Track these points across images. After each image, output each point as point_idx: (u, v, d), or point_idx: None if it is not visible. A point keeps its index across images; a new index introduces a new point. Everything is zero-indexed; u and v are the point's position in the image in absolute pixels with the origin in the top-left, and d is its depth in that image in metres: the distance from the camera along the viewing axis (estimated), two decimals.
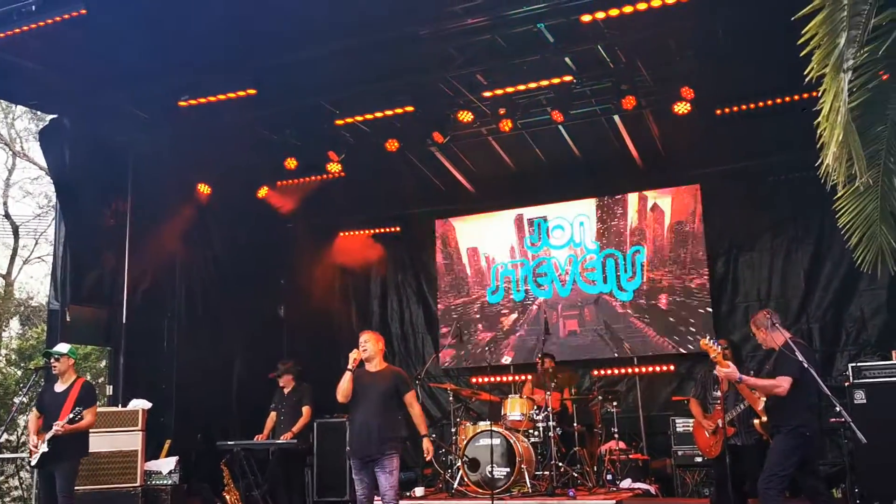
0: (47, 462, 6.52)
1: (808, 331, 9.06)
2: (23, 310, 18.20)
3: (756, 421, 6.24)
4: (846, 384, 7.16)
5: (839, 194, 3.69)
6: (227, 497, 8.17)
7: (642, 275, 9.94)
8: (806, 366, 5.41)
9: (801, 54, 3.28)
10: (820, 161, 3.40)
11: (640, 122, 9.06)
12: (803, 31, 3.20)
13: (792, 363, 5.51)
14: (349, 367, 6.11)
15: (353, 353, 6.18)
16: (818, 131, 3.30)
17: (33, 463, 6.61)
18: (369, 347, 6.23)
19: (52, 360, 6.83)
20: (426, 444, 6.18)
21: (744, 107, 8.48)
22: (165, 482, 7.92)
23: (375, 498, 6.05)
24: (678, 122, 8.50)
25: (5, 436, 10.43)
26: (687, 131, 8.78)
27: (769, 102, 8.31)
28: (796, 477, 5.82)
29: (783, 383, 5.56)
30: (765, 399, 6.00)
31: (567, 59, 8.09)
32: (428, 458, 6.31)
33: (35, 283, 18.75)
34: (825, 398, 5.35)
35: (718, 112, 8.56)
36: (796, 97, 8.07)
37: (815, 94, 3.56)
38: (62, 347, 6.95)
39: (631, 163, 9.81)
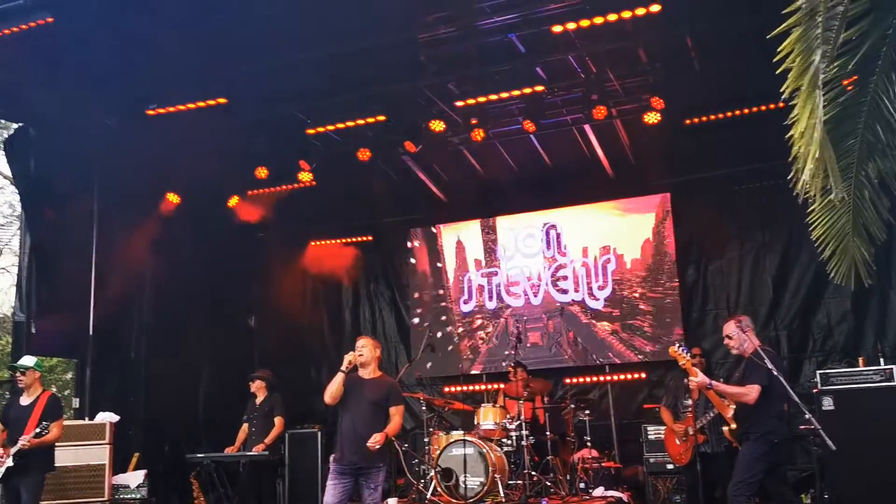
0: (12, 476, 6.41)
1: (776, 338, 9.17)
2: None
3: (725, 428, 6.31)
4: (814, 391, 7.26)
5: (812, 208, 3.74)
6: None
7: (613, 283, 10.00)
8: (775, 373, 5.48)
9: (778, 72, 3.32)
10: (793, 175, 3.45)
11: (611, 131, 9.13)
12: (779, 49, 3.24)
13: (760, 371, 5.58)
14: (342, 368, 5.95)
15: (350, 355, 6.03)
16: (791, 146, 3.34)
17: None
18: (366, 353, 6.07)
19: (18, 374, 6.71)
20: (378, 436, 5.83)
21: (713, 117, 8.61)
22: (133, 496, 7.82)
23: None
24: (648, 131, 8.59)
25: None
26: (657, 141, 8.87)
27: (737, 112, 8.44)
28: (765, 484, 5.87)
29: (752, 391, 5.62)
30: (734, 406, 6.07)
31: (538, 70, 8.14)
32: (370, 445, 5.81)
33: (0, 294, 18.38)
34: (794, 405, 5.42)
35: (687, 122, 8.68)
36: (763, 107, 8.21)
37: (781, 105, 3.61)
38: (28, 361, 6.83)
39: (602, 172, 9.89)
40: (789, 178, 3.46)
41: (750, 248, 9.63)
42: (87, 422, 8.05)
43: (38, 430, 6.37)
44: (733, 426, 6.10)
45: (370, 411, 5.94)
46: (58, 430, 6.57)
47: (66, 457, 7.39)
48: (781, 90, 3.35)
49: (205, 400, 10.07)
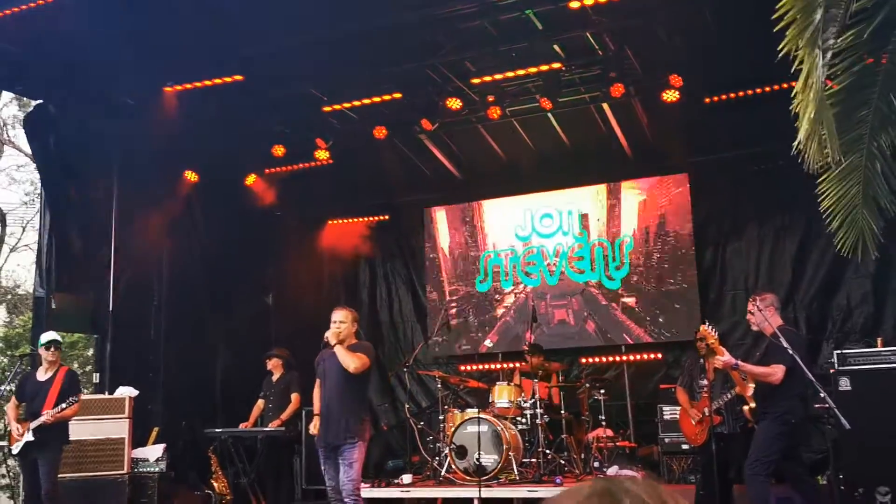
0: (31, 451, 6.51)
1: (795, 319, 9.09)
2: (10, 298, 18.10)
3: (745, 407, 6.27)
4: (831, 371, 7.19)
5: (821, 178, 3.70)
6: (215, 484, 8.17)
7: (630, 263, 9.95)
8: (792, 354, 5.44)
9: (775, 30, 3.27)
10: (796, 141, 3.40)
11: (629, 110, 9.05)
12: (777, 7, 3.19)
13: (785, 351, 5.54)
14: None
15: (329, 335, 5.86)
16: (794, 110, 3.30)
17: (15, 451, 6.59)
18: (343, 329, 5.90)
19: (52, 350, 6.78)
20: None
21: (732, 95, 8.47)
22: (153, 469, 7.91)
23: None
24: (667, 110, 8.49)
25: None
26: (675, 120, 8.78)
27: (758, 91, 8.31)
28: (781, 465, 5.86)
29: (777, 371, 5.58)
30: (753, 385, 6.04)
31: (556, 46, 8.07)
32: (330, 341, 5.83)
33: (22, 270, 18.67)
34: (810, 385, 5.38)
35: (707, 100, 8.56)
36: (784, 85, 8.07)
37: None
38: (57, 335, 6.91)
39: (619, 151, 9.81)
40: (794, 143, 3.41)
41: (769, 228, 9.53)
42: (106, 396, 8.16)
43: (64, 405, 6.46)
44: (753, 405, 6.07)
45: (341, 384, 5.81)
46: (73, 410, 6.67)
47: (86, 430, 7.51)
48: (779, 48, 3.29)
49: (223, 377, 10.15)
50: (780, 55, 3.34)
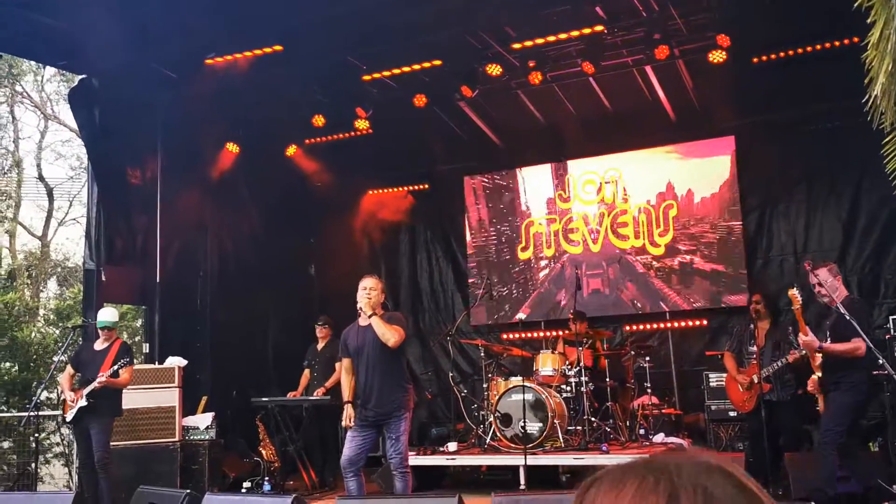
0: (83, 418, 6.67)
1: (846, 284, 8.84)
2: (59, 271, 18.51)
3: (814, 377, 6.07)
4: (886, 336, 7.03)
5: (888, 137, 3.55)
6: (263, 452, 8.30)
7: (674, 229, 9.79)
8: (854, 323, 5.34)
9: None
10: (867, 98, 3.25)
11: (674, 72, 8.84)
12: None
13: (861, 322, 5.41)
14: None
15: (362, 303, 5.56)
16: (866, 65, 3.15)
17: (69, 418, 6.76)
18: (374, 296, 5.62)
19: (106, 331, 6.93)
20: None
21: (781, 54, 8.21)
22: (203, 437, 8.06)
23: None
24: (712, 71, 8.28)
25: (45, 393, 10.67)
26: (721, 81, 8.56)
27: (808, 49, 8.06)
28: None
29: (860, 345, 5.43)
30: (821, 356, 5.84)
31: (597, 9, 7.89)
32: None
33: (71, 244, 19.03)
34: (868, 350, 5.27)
35: (755, 60, 8.32)
36: (836, 43, 7.82)
37: (856, 39, 3.42)
38: (110, 316, 7.04)
39: (663, 115, 9.61)
40: (864, 100, 3.26)
41: (819, 191, 9.28)
42: (157, 366, 8.32)
43: (115, 367, 6.59)
44: (819, 374, 5.91)
45: (380, 357, 5.59)
46: (128, 374, 6.81)
47: (138, 399, 7.68)
48: (856, 4, 3.15)
49: (270, 346, 10.30)
50: (854, 6, 3.19)
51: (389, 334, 5.54)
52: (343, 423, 5.73)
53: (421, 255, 11.50)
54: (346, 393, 5.81)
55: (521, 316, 10.08)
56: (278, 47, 8.17)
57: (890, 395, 6.90)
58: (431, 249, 11.45)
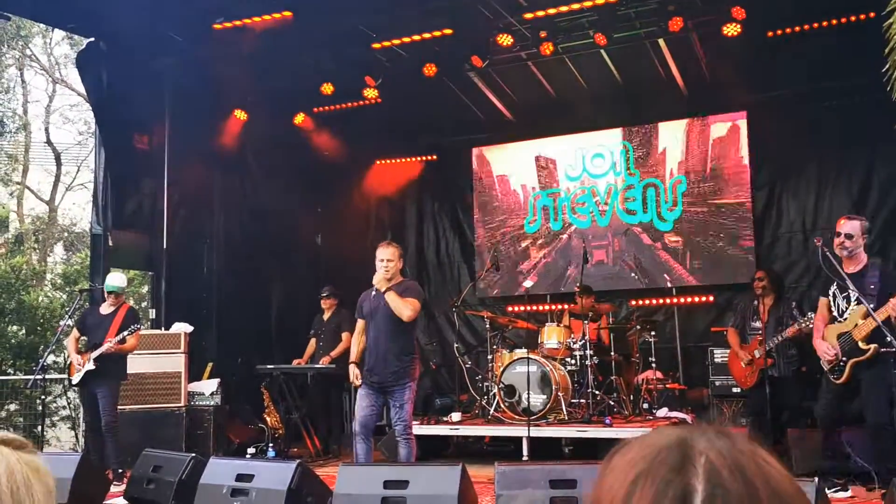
0: (90, 381, 6.72)
1: None
2: (66, 235, 18.56)
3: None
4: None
5: None
6: (268, 419, 8.36)
7: (683, 204, 9.74)
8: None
9: None
10: (887, 67, 3.20)
11: (687, 45, 8.74)
12: None
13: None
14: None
15: (378, 281, 5.63)
16: (886, 34, 3.08)
17: (75, 381, 6.81)
18: (391, 267, 5.65)
19: (113, 296, 6.96)
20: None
21: (797, 28, 8.10)
22: (208, 403, 8.13)
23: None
24: (726, 45, 8.18)
25: (52, 357, 10.75)
26: (735, 55, 8.47)
27: (823, 24, 7.95)
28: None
29: None
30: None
31: None
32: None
33: (78, 209, 19.05)
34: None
35: (770, 34, 8.21)
36: (853, 18, 7.71)
37: (871, 15, 3.36)
38: (118, 281, 7.07)
39: (675, 89, 9.51)
40: (884, 70, 3.20)
41: (829, 168, 9.21)
42: (163, 331, 8.37)
43: (126, 332, 6.63)
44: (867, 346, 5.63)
45: (390, 325, 5.62)
46: (135, 339, 6.85)
47: (144, 364, 7.73)
48: None
49: (276, 314, 10.33)
50: None
51: (404, 307, 5.58)
52: (350, 380, 5.81)
53: (428, 226, 11.48)
54: (355, 354, 5.91)
55: (527, 284, 10.09)
56: (288, 13, 8.10)
57: None
58: (438, 221, 11.43)
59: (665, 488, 0.80)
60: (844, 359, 5.53)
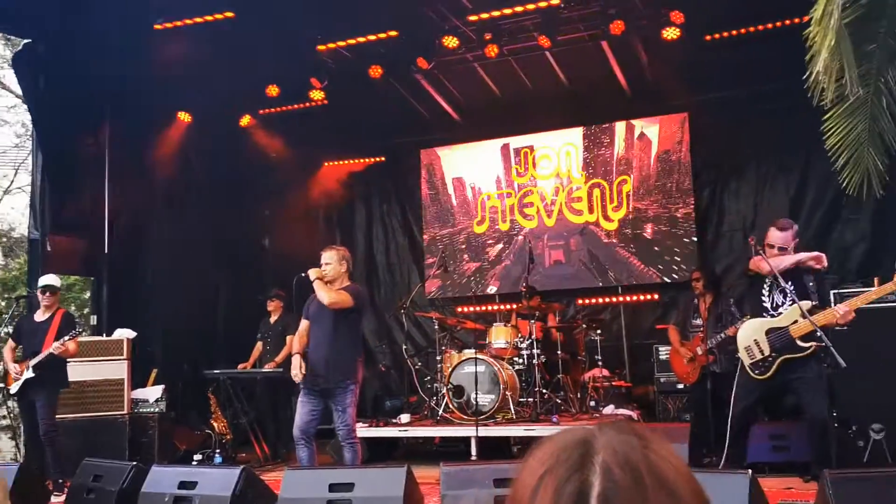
0: (28, 391, 6.56)
1: None
2: (4, 241, 18.04)
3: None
4: None
5: (827, 114, 3.62)
6: (215, 424, 8.25)
7: (628, 204, 9.90)
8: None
9: None
10: (808, 74, 3.31)
11: (629, 48, 8.89)
12: None
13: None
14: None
15: (313, 271, 5.63)
16: (808, 41, 3.20)
17: (13, 391, 6.64)
18: (329, 269, 5.68)
19: (48, 294, 6.78)
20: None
21: (734, 32, 8.33)
22: (152, 410, 7.99)
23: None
24: (667, 48, 8.36)
25: None
26: (675, 58, 8.64)
27: (759, 27, 8.18)
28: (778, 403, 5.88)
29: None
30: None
31: None
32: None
33: (16, 213, 18.52)
34: None
35: (707, 38, 8.42)
36: (787, 22, 7.93)
37: (805, 18, 3.47)
38: (55, 280, 6.90)
39: (619, 91, 9.67)
40: (805, 77, 3.31)
41: (767, 168, 9.46)
42: (105, 338, 8.19)
43: (67, 337, 6.47)
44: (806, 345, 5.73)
45: (332, 326, 5.61)
46: (74, 345, 6.70)
47: (86, 371, 7.56)
48: None
49: (221, 318, 10.20)
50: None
51: (325, 294, 5.56)
52: (292, 373, 5.72)
53: (377, 228, 11.46)
54: (295, 346, 5.89)
55: (491, 289, 10.15)
56: (230, 14, 8.02)
57: (827, 366, 7.08)
58: (387, 222, 11.42)
59: (564, 485, 0.85)
60: (774, 355, 5.57)
